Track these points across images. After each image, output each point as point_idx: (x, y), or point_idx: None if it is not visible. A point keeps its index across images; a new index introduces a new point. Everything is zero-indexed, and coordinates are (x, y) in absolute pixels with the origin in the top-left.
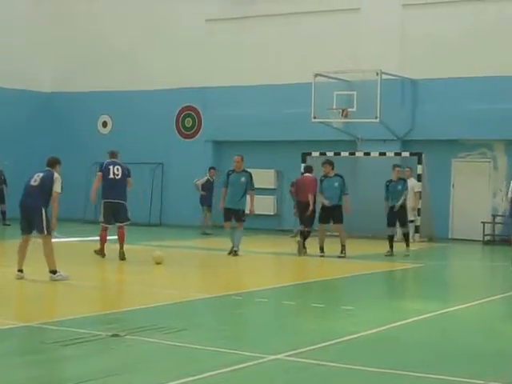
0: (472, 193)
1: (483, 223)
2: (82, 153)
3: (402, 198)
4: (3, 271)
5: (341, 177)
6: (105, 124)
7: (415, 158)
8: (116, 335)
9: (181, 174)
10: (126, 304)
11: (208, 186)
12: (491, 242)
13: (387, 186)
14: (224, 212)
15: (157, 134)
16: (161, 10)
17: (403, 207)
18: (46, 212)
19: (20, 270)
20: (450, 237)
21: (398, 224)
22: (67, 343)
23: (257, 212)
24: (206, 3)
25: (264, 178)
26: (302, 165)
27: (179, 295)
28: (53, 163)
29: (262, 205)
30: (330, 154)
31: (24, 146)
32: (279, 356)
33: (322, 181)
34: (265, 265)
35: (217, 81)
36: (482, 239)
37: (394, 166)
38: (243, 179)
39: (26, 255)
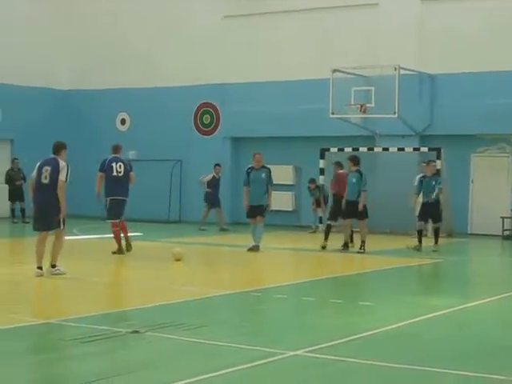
0: (491, 188)
1: (502, 218)
2: (100, 150)
3: (435, 192)
4: (22, 268)
5: (360, 173)
6: (123, 121)
7: (434, 153)
8: (136, 332)
9: (199, 170)
10: (146, 301)
11: (214, 183)
12: (510, 236)
13: (421, 182)
14: (248, 209)
15: (175, 130)
16: (177, 6)
17: (438, 202)
18: (61, 207)
19: (39, 268)
20: (469, 232)
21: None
22: (87, 340)
23: (275, 208)
24: (224, 0)
25: (282, 174)
26: (321, 161)
27: (199, 292)
28: (58, 149)
29: (281, 201)
30: (348, 149)
31: (42, 144)
32: (298, 352)
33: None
34: (283, 261)
35: (234, 77)
36: (501, 234)
37: (430, 161)
38: (263, 175)
39: (44, 252)
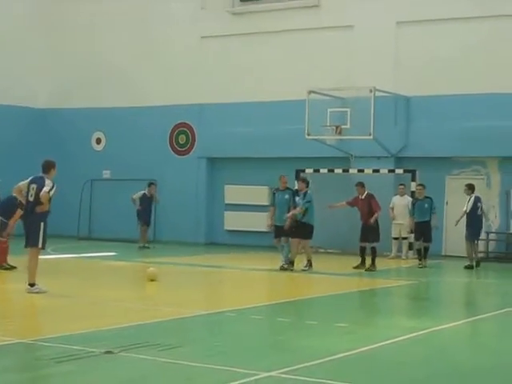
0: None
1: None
2: (76, 170)
3: (429, 215)
4: None
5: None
6: (98, 141)
7: (409, 175)
8: (109, 352)
9: (174, 190)
10: (120, 321)
11: (145, 201)
12: (484, 259)
13: (413, 204)
14: (274, 229)
15: (150, 150)
16: (155, 26)
17: (428, 223)
18: (44, 226)
19: (31, 285)
20: (443, 253)
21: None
22: (61, 360)
23: (250, 229)
24: (202, 20)
25: (257, 194)
26: (296, 182)
27: (173, 312)
28: (47, 168)
29: (256, 221)
30: (323, 170)
31: (17, 163)
32: (273, 373)
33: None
34: (259, 281)
35: (211, 98)
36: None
37: (419, 185)
38: (287, 196)
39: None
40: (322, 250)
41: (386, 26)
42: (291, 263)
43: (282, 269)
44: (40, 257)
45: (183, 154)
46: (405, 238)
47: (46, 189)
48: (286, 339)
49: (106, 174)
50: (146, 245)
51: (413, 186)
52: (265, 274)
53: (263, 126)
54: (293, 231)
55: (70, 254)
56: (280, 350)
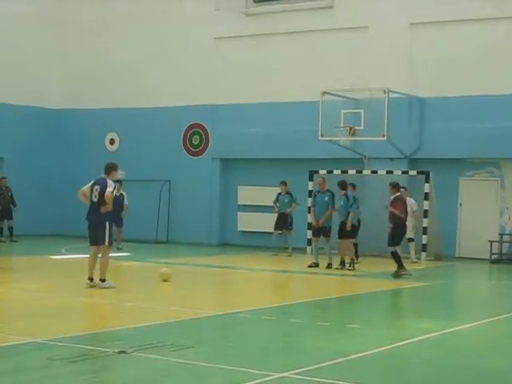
0: (479, 211)
1: (490, 242)
2: (89, 170)
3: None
4: (8, 287)
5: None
6: (112, 141)
7: (422, 176)
8: (123, 352)
9: (188, 191)
10: (133, 321)
11: (114, 201)
12: (498, 260)
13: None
14: (313, 229)
15: (164, 151)
16: (168, 27)
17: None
18: (109, 225)
19: (90, 279)
20: (456, 255)
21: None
22: (75, 360)
23: (263, 230)
24: (215, 21)
25: (271, 195)
26: (310, 182)
27: (186, 312)
28: (108, 169)
29: (269, 222)
30: (337, 171)
31: (31, 163)
32: (286, 374)
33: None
34: (272, 282)
35: (224, 98)
36: (489, 258)
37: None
38: (326, 198)
39: (95, 265)
40: (336, 252)
41: (400, 27)
42: (342, 263)
43: (310, 266)
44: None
45: (197, 155)
46: (411, 240)
47: (109, 189)
48: (299, 340)
49: (121, 174)
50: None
51: (426, 187)
52: (278, 275)
53: (277, 126)
54: (341, 232)
55: (83, 255)
56: (293, 351)
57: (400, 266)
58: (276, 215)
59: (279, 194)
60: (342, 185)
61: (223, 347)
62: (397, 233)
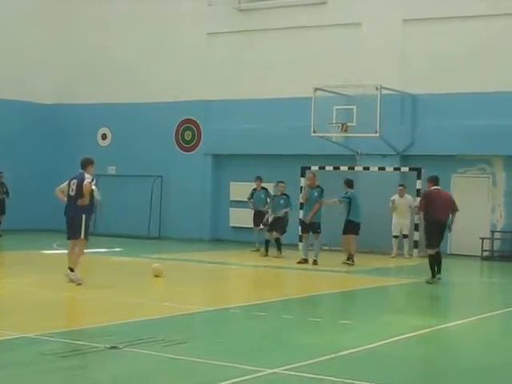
0: (471, 208)
1: (482, 239)
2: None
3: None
4: (0, 282)
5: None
6: (104, 136)
7: (414, 173)
8: (114, 347)
9: (180, 186)
10: (125, 316)
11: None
12: (490, 257)
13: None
14: (301, 224)
15: (156, 146)
16: (162, 23)
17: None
18: (86, 218)
19: (70, 268)
20: (448, 252)
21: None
22: (66, 355)
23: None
24: (208, 17)
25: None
26: (302, 179)
27: (178, 308)
28: (85, 164)
29: (260, 218)
30: (329, 168)
31: (23, 158)
32: (277, 370)
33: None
34: (263, 278)
35: (217, 94)
36: (480, 255)
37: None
38: (316, 194)
39: (72, 258)
40: (327, 248)
41: (393, 23)
42: (350, 258)
43: (300, 263)
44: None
45: (189, 151)
46: (406, 236)
47: (87, 180)
48: (290, 336)
49: (112, 169)
50: None
51: (418, 184)
52: (269, 270)
53: (269, 123)
54: (346, 228)
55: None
56: (284, 347)
57: (432, 274)
58: (252, 212)
59: (254, 189)
60: (349, 183)
61: (215, 343)
62: (425, 232)
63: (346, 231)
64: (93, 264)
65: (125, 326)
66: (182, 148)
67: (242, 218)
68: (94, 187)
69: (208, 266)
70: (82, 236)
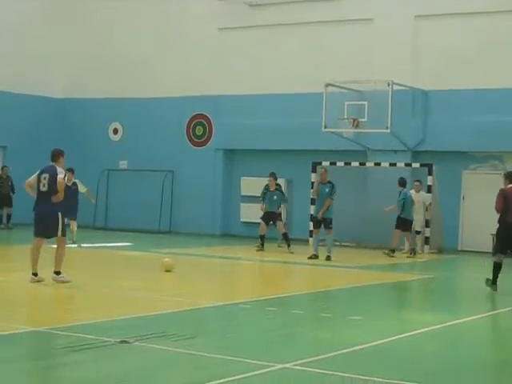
0: (482, 205)
1: (493, 235)
2: (93, 160)
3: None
4: (11, 276)
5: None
6: (115, 131)
7: (425, 169)
8: (125, 342)
9: (191, 181)
10: (136, 310)
11: (65, 193)
12: None
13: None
14: (313, 220)
15: (167, 141)
16: (173, 17)
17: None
18: (62, 215)
19: (34, 274)
20: (459, 249)
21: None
22: (76, 349)
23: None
24: (219, 12)
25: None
26: (313, 174)
27: (188, 303)
28: (56, 156)
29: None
30: (340, 163)
31: (34, 152)
32: (287, 365)
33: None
34: (274, 273)
35: (228, 89)
36: (491, 251)
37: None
38: (327, 190)
39: (38, 258)
40: (338, 243)
41: (405, 19)
42: (392, 251)
43: (310, 258)
44: (54, 246)
45: (200, 146)
46: (418, 232)
47: (60, 176)
48: (301, 331)
49: (123, 164)
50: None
51: (429, 180)
52: (280, 265)
53: (280, 118)
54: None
55: (85, 244)
56: (294, 342)
57: (493, 280)
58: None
59: (267, 188)
60: (402, 182)
61: (225, 338)
62: (496, 236)
63: (398, 227)
64: (103, 258)
65: (135, 321)
66: (193, 143)
67: (253, 213)
68: (77, 180)
69: (218, 260)
70: (60, 234)
